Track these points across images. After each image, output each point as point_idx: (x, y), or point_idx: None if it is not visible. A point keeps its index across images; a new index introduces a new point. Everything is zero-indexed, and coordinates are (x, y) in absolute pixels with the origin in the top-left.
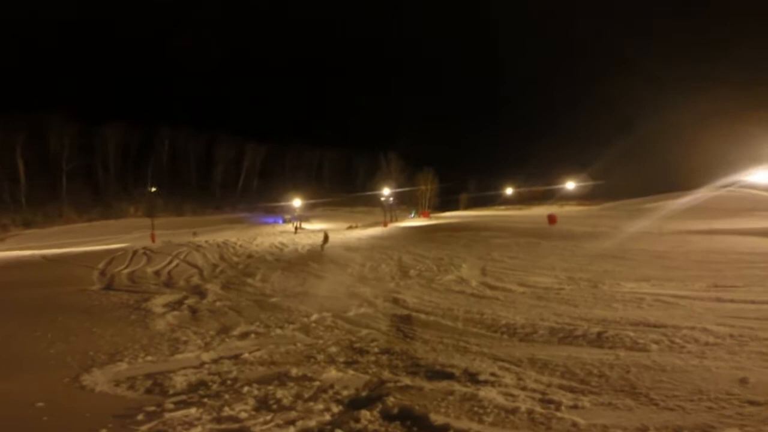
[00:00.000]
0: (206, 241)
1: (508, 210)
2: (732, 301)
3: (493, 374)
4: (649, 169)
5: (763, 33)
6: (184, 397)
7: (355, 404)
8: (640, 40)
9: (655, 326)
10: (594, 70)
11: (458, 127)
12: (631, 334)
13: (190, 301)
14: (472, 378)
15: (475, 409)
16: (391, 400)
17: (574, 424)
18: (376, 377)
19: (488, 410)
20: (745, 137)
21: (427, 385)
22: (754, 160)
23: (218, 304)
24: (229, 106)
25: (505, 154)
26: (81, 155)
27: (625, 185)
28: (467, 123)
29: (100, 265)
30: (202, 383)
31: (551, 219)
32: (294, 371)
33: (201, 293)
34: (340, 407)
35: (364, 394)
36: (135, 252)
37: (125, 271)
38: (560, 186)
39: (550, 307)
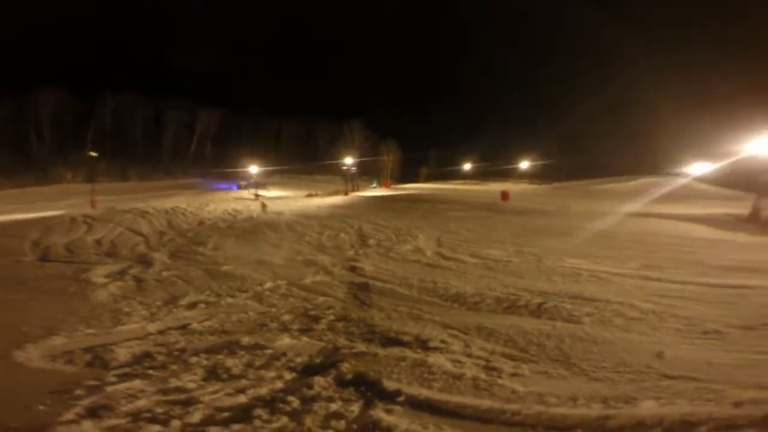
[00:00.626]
0: (153, 207)
1: (466, 184)
2: (659, 280)
3: (443, 341)
4: (598, 153)
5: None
6: (127, 369)
7: (308, 371)
8: (601, 22)
9: (589, 300)
10: (555, 50)
11: (423, 102)
12: (568, 306)
13: (134, 270)
14: (424, 345)
15: (425, 375)
16: (345, 366)
17: (514, 392)
18: (331, 344)
19: (437, 376)
20: (690, 131)
21: (381, 352)
22: (694, 153)
23: (165, 273)
24: (181, 70)
25: (466, 131)
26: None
27: (575, 167)
28: (431, 98)
29: (34, 235)
30: (147, 355)
31: (504, 195)
32: (245, 340)
33: (147, 262)
34: (293, 374)
35: (318, 360)
36: (73, 219)
37: (62, 240)
38: (515, 165)
39: (498, 278)
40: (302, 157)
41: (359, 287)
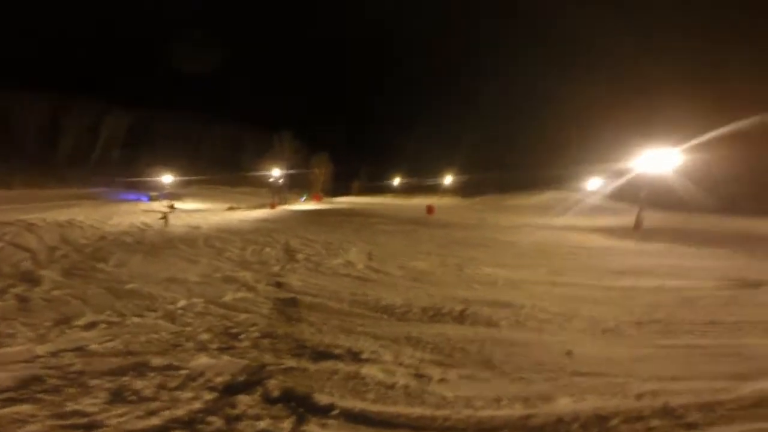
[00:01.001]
0: (44, 220)
1: (396, 198)
2: (563, 284)
3: (374, 352)
4: (511, 169)
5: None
6: (12, 394)
7: (231, 390)
8: (516, 35)
9: (505, 305)
10: (479, 66)
11: (357, 116)
12: (487, 311)
13: (17, 289)
14: (356, 357)
15: (358, 386)
16: (272, 383)
17: (443, 398)
18: (256, 362)
19: (370, 387)
20: (587, 149)
21: (312, 366)
22: (591, 171)
23: (56, 292)
24: (87, 65)
25: (395, 146)
26: None
27: (491, 182)
28: (366, 113)
29: None
30: (35, 378)
31: (429, 209)
32: (156, 361)
33: (33, 280)
34: (214, 394)
35: (241, 379)
36: None
37: None
38: (439, 180)
39: (424, 289)
40: (225, 166)
41: (286, 303)
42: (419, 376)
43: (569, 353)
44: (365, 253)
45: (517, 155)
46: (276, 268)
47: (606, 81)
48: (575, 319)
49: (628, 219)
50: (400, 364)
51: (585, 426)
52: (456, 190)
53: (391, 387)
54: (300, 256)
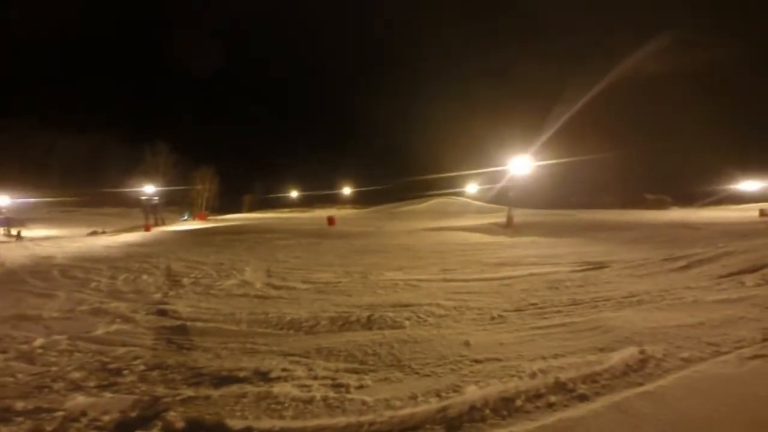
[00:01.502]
0: None
1: (293, 212)
2: (453, 280)
3: (284, 369)
4: (399, 179)
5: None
6: None
7: (125, 427)
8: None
9: (406, 306)
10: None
11: (247, 127)
12: (391, 314)
13: None
14: (264, 377)
15: (273, 406)
16: (172, 415)
17: (364, 403)
18: (147, 395)
19: (286, 405)
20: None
21: (215, 393)
22: (470, 176)
23: None
24: None
25: (292, 157)
26: None
27: (386, 191)
28: (258, 124)
29: None
30: None
31: (330, 221)
32: (20, 405)
33: None
34: None
35: (134, 414)
36: None
37: None
38: (338, 191)
39: (329, 299)
40: (85, 184)
41: (174, 331)
42: (337, 386)
43: (467, 343)
44: (263, 270)
45: (408, 165)
46: (157, 296)
47: (483, 97)
48: (467, 311)
49: (503, 217)
50: (315, 378)
51: (495, 409)
52: (355, 201)
53: (309, 401)
54: (186, 281)
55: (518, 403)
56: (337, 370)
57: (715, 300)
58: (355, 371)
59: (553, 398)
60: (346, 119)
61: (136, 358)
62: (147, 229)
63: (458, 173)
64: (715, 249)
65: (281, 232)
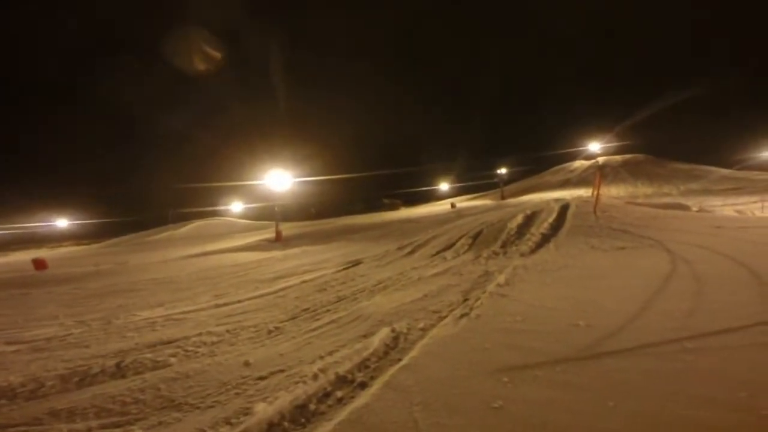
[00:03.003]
0: None
1: None
2: (226, 304)
3: None
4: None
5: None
6: None
7: None
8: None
9: (169, 343)
10: None
11: None
12: (149, 355)
13: None
14: None
15: None
16: None
17: None
18: None
19: None
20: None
21: None
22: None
23: None
24: None
25: None
26: None
27: (124, 223)
28: None
29: None
30: None
31: (38, 264)
32: None
33: None
34: None
35: None
36: None
37: None
38: (50, 223)
39: (55, 356)
40: None
41: None
42: None
43: (247, 363)
44: None
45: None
46: None
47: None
48: (242, 331)
49: (272, 233)
50: None
51: (293, 420)
52: (78, 236)
53: None
54: None
55: (312, 407)
56: (90, 429)
57: (432, 274)
58: (117, 425)
59: (339, 393)
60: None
61: None
62: None
63: (217, 184)
64: (426, 235)
65: None
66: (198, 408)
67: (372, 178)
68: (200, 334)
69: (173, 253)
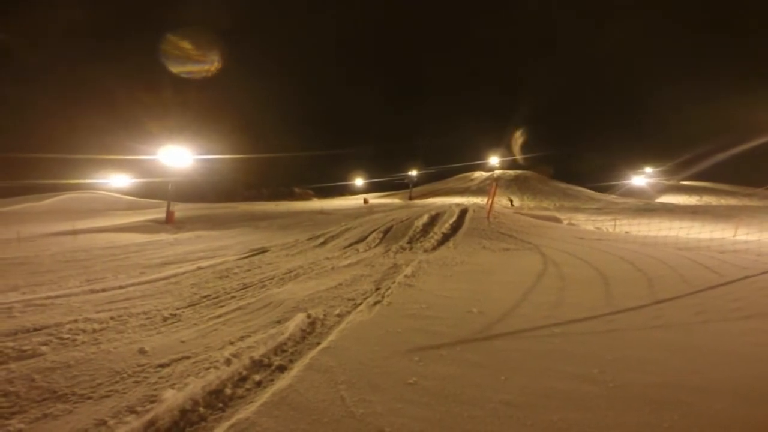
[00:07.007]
0: None
1: None
2: (104, 290)
3: None
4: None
5: None
6: None
7: None
8: None
9: (36, 330)
10: None
11: None
12: (12, 344)
13: None
14: None
15: None
16: None
17: None
18: None
19: None
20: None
21: None
22: (114, 165)
23: None
24: None
25: None
26: None
27: None
28: None
29: None
30: None
31: None
32: None
33: None
34: None
35: None
36: None
37: None
38: None
39: None
40: None
41: None
42: None
43: (142, 350)
44: None
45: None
46: None
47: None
48: (130, 318)
49: (160, 213)
50: None
51: (209, 405)
52: None
53: None
54: None
55: (228, 391)
56: None
57: (345, 265)
58: None
59: (257, 377)
60: None
61: None
62: None
63: (93, 156)
64: (339, 227)
65: None
66: (89, 398)
67: (287, 163)
68: (76, 321)
69: (31, 229)
